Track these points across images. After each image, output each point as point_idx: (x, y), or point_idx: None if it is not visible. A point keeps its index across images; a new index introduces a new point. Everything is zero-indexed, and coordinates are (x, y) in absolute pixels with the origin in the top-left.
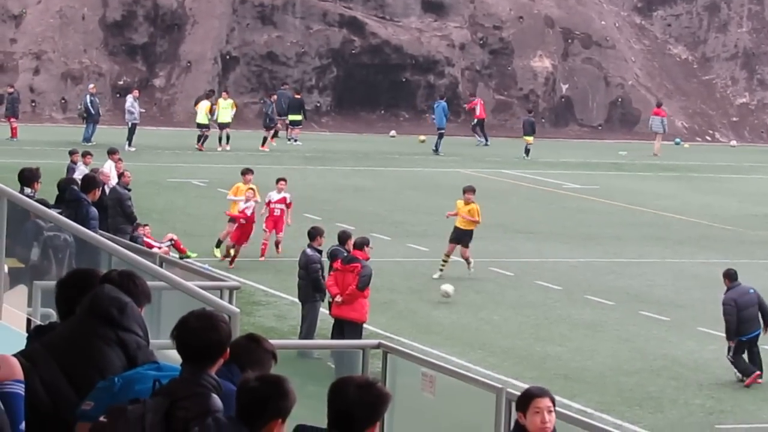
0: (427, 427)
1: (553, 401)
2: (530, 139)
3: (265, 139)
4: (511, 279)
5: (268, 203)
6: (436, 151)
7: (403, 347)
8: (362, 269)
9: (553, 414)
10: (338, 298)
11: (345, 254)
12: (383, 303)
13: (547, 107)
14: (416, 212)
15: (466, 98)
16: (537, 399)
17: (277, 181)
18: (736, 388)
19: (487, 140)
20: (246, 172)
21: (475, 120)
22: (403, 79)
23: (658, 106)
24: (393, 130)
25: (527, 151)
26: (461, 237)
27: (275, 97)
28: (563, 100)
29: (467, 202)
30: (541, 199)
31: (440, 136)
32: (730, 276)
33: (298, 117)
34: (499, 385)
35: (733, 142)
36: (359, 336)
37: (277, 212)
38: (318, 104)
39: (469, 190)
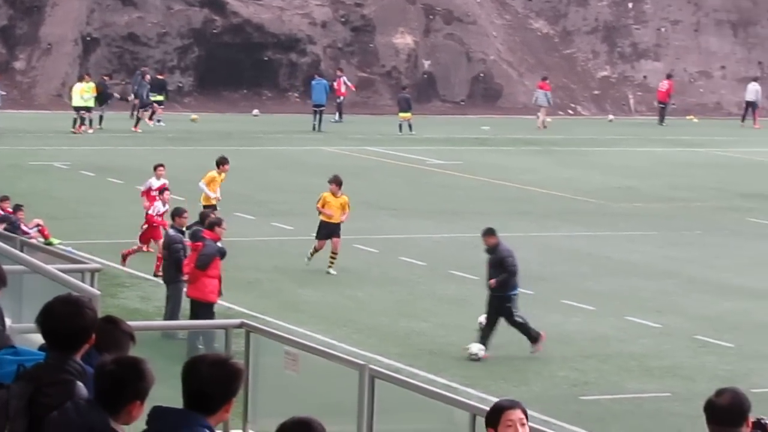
0: (291, 405)
1: (525, 413)
2: (407, 115)
3: (138, 120)
4: (376, 256)
5: (148, 191)
6: (318, 128)
7: (268, 326)
8: (203, 248)
9: (527, 427)
10: (185, 278)
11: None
12: (248, 282)
13: (409, 83)
14: (281, 191)
15: (332, 76)
16: (508, 412)
17: (156, 167)
18: (600, 359)
19: (341, 117)
20: (222, 162)
21: (341, 98)
22: (265, 58)
23: (543, 79)
24: (256, 109)
25: (409, 127)
26: (333, 231)
27: (148, 77)
28: (425, 76)
29: (335, 194)
30: (405, 176)
31: (320, 113)
32: (492, 232)
33: (160, 98)
34: (362, 362)
35: (611, 117)
36: (210, 316)
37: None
38: (180, 84)
39: (335, 182)
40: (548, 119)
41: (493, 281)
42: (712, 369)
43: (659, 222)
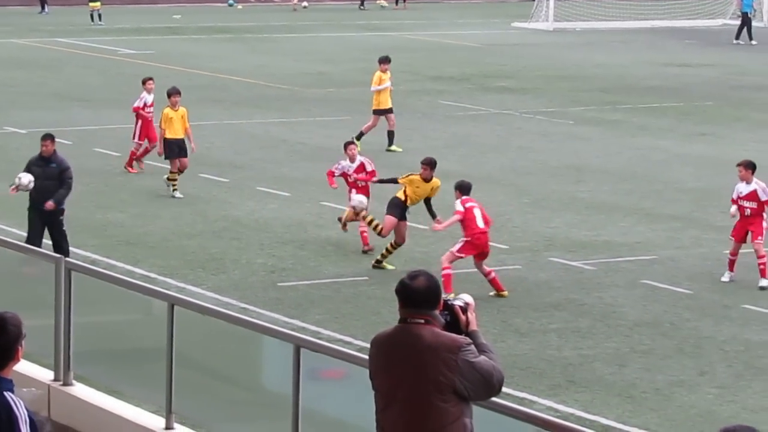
0: None
1: None
2: (97, 4)
3: None
4: (70, 148)
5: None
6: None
7: None
8: None
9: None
10: None
11: None
12: None
13: None
14: None
15: None
16: None
17: (144, 81)
18: (297, 245)
19: (44, 8)
20: (174, 92)
21: None
22: None
23: None
24: None
25: (99, 17)
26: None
27: None
28: None
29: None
30: (96, 67)
31: None
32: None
33: None
34: (57, 255)
35: (305, 3)
36: None
37: None
38: None
39: (175, 93)
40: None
41: (51, 203)
42: (408, 251)
43: (352, 106)
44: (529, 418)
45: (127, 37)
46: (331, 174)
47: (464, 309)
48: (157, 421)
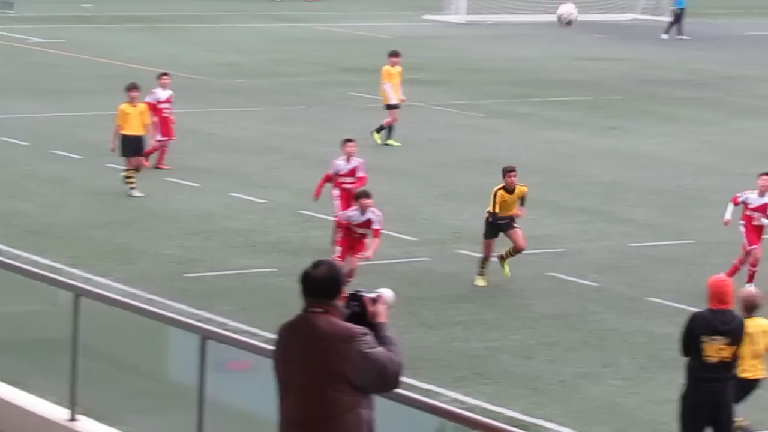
0: None
1: None
2: None
3: None
4: None
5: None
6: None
7: None
8: None
9: None
10: None
11: None
12: None
13: None
14: None
15: None
16: None
17: (160, 76)
18: (205, 236)
19: None
20: (132, 88)
21: None
22: None
23: None
24: None
25: (9, 5)
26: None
27: None
28: None
29: (133, 102)
30: (5, 55)
31: None
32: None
33: None
34: None
35: None
36: None
37: None
38: None
39: (133, 88)
40: None
41: None
42: (315, 243)
43: (264, 97)
44: (433, 409)
45: (37, 25)
46: (325, 181)
47: (374, 300)
48: (61, 413)
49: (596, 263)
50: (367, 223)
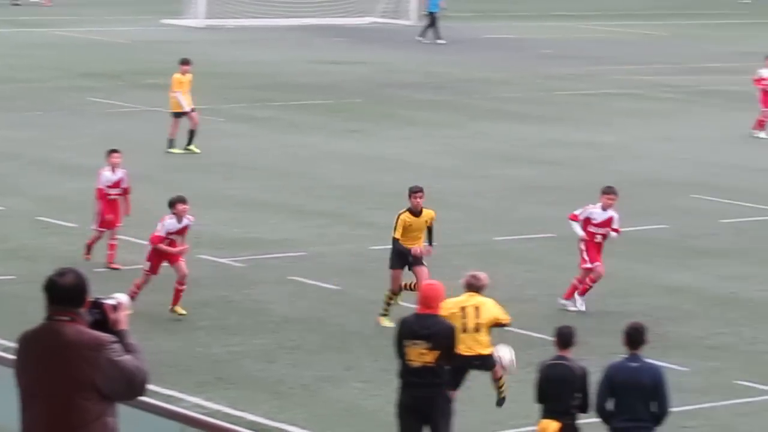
0: None
1: None
2: None
3: None
4: None
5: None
6: None
7: None
8: None
9: None
10: None
11: None
12: None
13: None
14: None
15: None
16: None
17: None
18: None
19: None
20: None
21: None
22: None
23: None
24: None
25: None
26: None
27: None
28: None
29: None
30: None
31: None
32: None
33: None
34: None
35: None
36: None
37: None
38: None
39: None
40: None
41: None
42: (54, 250)
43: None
44: (174, 415)
45: None
46: (100, 196)
47: (115, 308)
48: None
49: (337, 266)
50: (184, 230)
